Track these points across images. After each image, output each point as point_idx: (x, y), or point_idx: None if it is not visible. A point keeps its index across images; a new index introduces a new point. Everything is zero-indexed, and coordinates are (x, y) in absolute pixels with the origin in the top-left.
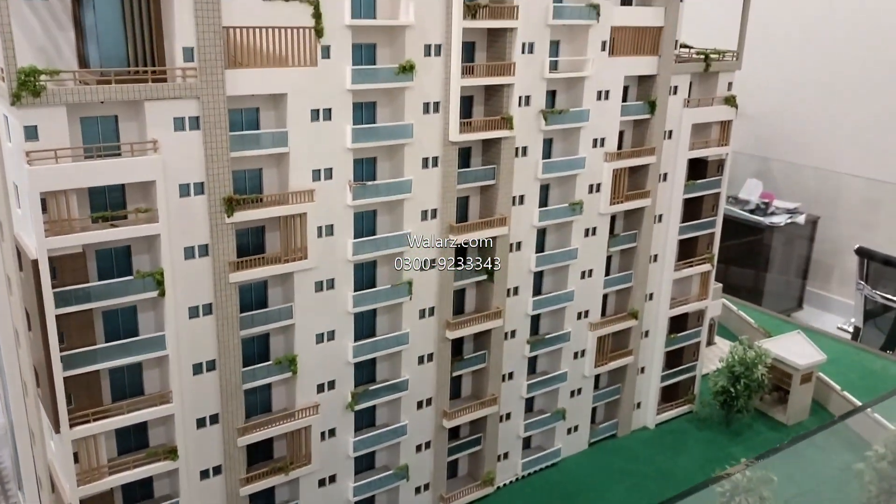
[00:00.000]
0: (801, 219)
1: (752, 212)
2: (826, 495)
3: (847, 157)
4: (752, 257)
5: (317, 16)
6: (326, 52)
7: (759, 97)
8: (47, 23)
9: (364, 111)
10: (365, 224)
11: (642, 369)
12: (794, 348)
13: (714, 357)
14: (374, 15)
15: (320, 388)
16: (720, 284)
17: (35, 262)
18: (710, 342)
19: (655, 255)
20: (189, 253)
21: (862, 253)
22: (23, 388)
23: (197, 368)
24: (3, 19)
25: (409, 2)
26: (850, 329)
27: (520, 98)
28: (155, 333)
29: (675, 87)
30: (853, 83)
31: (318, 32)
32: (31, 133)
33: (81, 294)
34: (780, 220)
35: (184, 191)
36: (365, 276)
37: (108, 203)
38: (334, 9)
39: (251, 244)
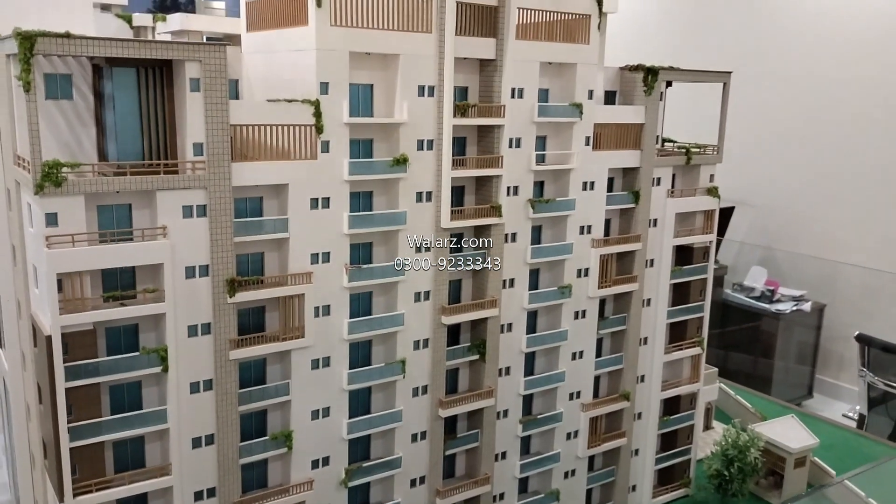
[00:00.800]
0: (806, 306)
1: (757, 299)
2: None
3: (846, 246)
4: (758, 344)
5: (317, 114)
6: (326, 146)
7: (763, 188)
8: (71, 121)
9: (361, 199)
10: (360, 305)
11: (636, 451)
12: (787, 432)
13: (711, 441)
14: (371, 113)
15: (315, 464)
16: (715, 369)
17: (49, 338)
18: (707, 426)
19: (645, 338)
20: (192, 331)
21: (862, 340)
22: (31, 461)
23: (196, 442)
24: (31, 118)
25: (404, 102)
26: (856, 416)
27: (508, 188)
28: (157, 407)
29: (658, 179)
30: (853, 172)
31: (319, 129)
32: (52, 220)
33: (91, 368)
34: (785, 307)
35: (189, 273)
36: (360, 354)
37: (120, 283)
38: (333, 108)
39: (251, 323)
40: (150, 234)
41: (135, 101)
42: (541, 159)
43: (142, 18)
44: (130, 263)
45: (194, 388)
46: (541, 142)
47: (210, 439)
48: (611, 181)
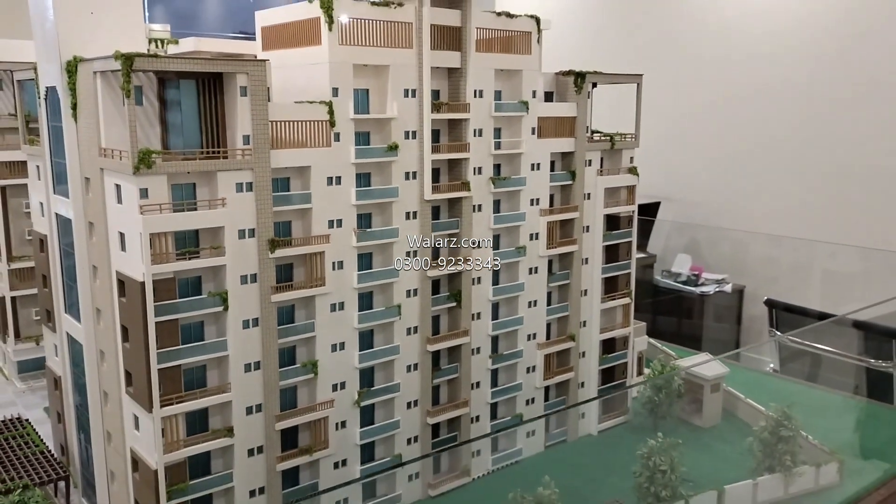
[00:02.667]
0: (727, 287)
1: (683, 283)
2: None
3: (756, 220)
4: (687, 313)
5: (331, 112)
6: (337, 137)
7: (683, 182)
8: (142, 122)
9: (363, 178)
10: (365, 261)
11: (582, 384)
12: (702, 365)
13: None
14: (368, 111)
15: (334, 388)
16: (644, 324)
17: (142, 284)
18: (639, 373)
19: (586, 290)
20: (244, 280)
21: (770, 304)
22: (101, 398)
23: (247, 367)
24: (131, 117)
25: (394, 102)
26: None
27: (474, 168)
28: (219, 338)
29: (590, 161)
30: (757, 155)
31: (332, 123)
32: (144, 193)
33: (171, 307)
34: (709, 289)
35: (241, 234)
36: (366, 301)
37: (187, 243)
38: (342, 107)
39: (284, 275)
40: (214, 205)
41: (195, 105)
42: (497, 146)
43: (184, 43)
44: (202, 226)
45: (245, 324)
46: (497, 132)
47: (257, 365)
48: (553, 163)
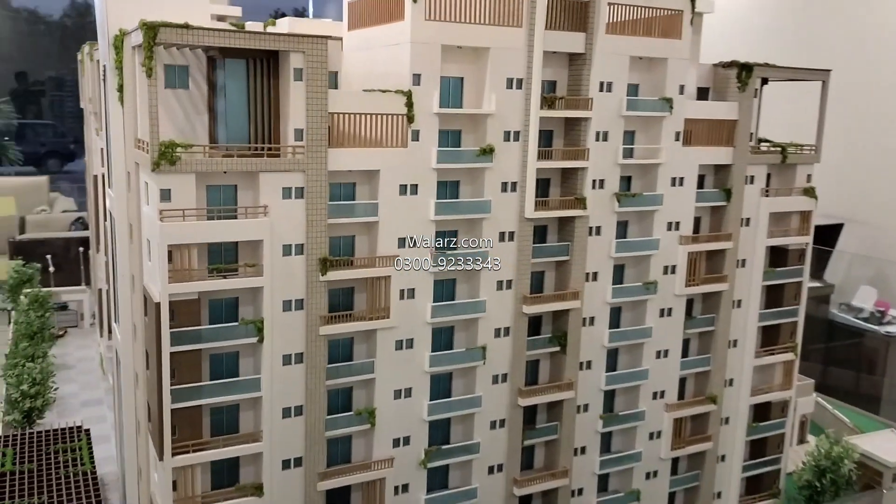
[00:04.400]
0: None
1: (865, 320)
2: None
3: None
4: (864, 364)
5: (409, 104)
6: (416, 135)
7: (872, 202)
8: (187, 109)
9: (448, 188)
10: (444, 290)
11: (722, 457)
12: (885, 445)
13: (804, 455)
14: (460, 105)
15: (396, 443)
16: (811, 381)
17: (157, 305)
18: (801, 440)
19: (735, 340)
20: (287, 305)
21: None
22: (136, 426)
23: (286, 412)
24: (151, 101)
25: (492, 94)
26: None
27: (593, 181)
28: (252, 376)
29: (752, 177)
30: None
31: (410, 119)
32: (166, 195)
33: (193, 335)
34: None
35: (286, 250)
36: (442, 338)
37: (223, 258)
38: (424, 99)
39: (341, 302)
40: (253, 213)
41: (244, 90)
42: (628, 153)
43: (253, 26)
44: (233, 239)
45: (286, 359)
46: (629, 136)
47: (299, 410)
48: (701, 178)
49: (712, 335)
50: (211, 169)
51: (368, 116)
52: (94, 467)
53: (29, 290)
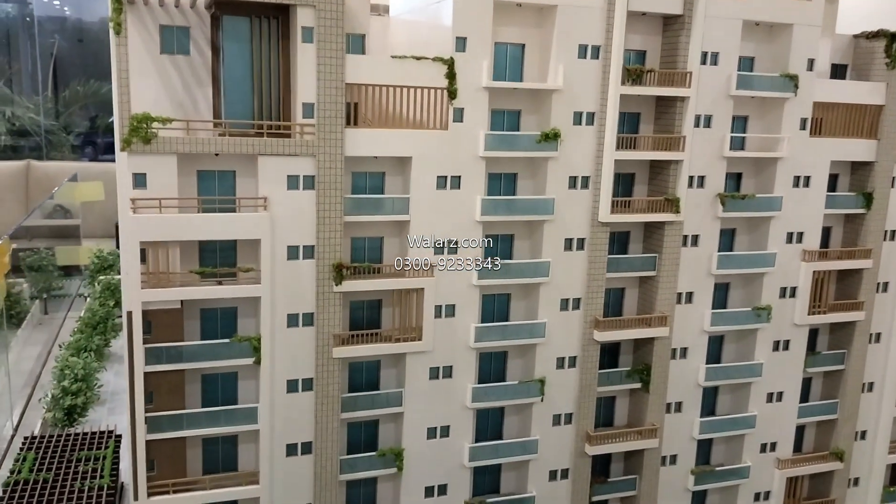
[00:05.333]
0: None
1: None
2: None
3: None
4: None
5: (451, 76)
6: (459, 114)
7: None
8: (187, 78)
9: (503, 182)
10: (495, 308)
11: None
12: None
13: None
14: (519, 77)
15: (429, 492)
16: None
17: (129, 315)
18: None
19: (871, 384)
20: (293, 320)
21: None
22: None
23: (291, 449)
24: (120, 63)
25: (560, 65)
26: None
27: (691, 178)
28: (248, 404)
29: None
30: None
31: (452, 94)
32: (140, 181)
33: (173, 352)
34: None
35: (292, 253)
36: (492, 367)
37: (219, 259)
38: (472, 69)
39: (365, 318)
40: (250, 206)
41: (247, 54)
42: (738, 144)
43: None
44: (221, 237)
45: (292, 386)
46: (739, 122)
47: (307, 447)
48: (833, 178)
49: (841, 375)
50: (196, 150)
51: (398, 90)
52: (114, 480)
53: (103, 278)
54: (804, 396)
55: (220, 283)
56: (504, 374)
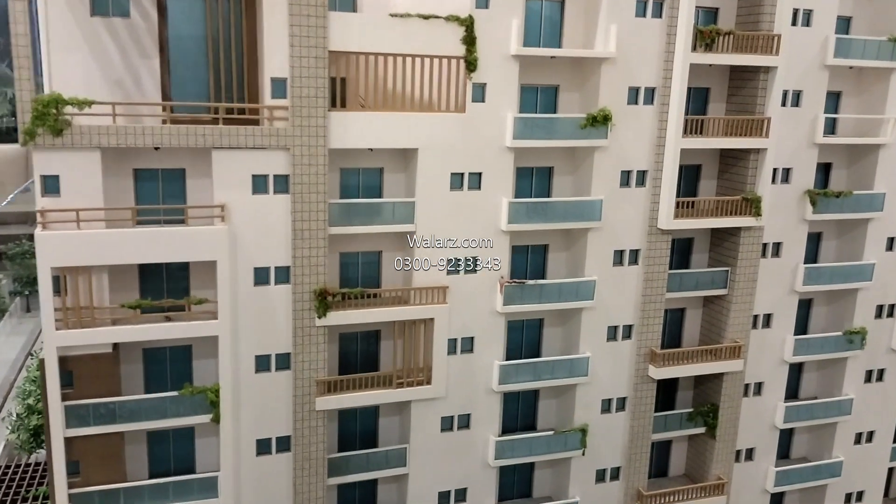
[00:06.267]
0: None
1: None
2: None
3: None
4: None
5: (469, 41)
6: (480, 92)
7: None
8: (128, 49)
9: (535, 179)
10: (524, 339)
11: None
12: None
13: None
14: (557, 44)
15: None
16: None
17: (41, 363)
18: None
19: None
20: (262, 364)
21: None
22: None
23: None
24: (18, 29)
25: (610, 26)
26: None
27: (775, 171)
28: (207, 473)
29: None
30: None
31: (470, 65)
32: (51, 186)
33: (103, 411)
34: None
35: (261, 277)
36: (519, 413)
37: (166, 288)
38: (497, 32)
39: (360, 356)
40: (203, 216)
41: (199, 13)
42: (831, 127)
43: None
44: (165, 259)
45: (263, 447)
46: (832, 99)
47: None
48: None
49: None
50: (128, 142)
51: (400, 59)
52: None
53: None
54: None
55: (168, 319)
56: (534, 420)
